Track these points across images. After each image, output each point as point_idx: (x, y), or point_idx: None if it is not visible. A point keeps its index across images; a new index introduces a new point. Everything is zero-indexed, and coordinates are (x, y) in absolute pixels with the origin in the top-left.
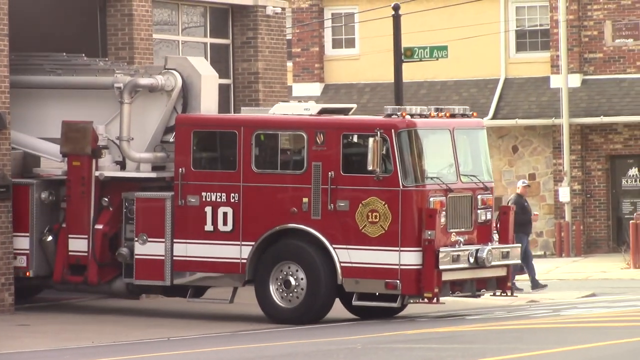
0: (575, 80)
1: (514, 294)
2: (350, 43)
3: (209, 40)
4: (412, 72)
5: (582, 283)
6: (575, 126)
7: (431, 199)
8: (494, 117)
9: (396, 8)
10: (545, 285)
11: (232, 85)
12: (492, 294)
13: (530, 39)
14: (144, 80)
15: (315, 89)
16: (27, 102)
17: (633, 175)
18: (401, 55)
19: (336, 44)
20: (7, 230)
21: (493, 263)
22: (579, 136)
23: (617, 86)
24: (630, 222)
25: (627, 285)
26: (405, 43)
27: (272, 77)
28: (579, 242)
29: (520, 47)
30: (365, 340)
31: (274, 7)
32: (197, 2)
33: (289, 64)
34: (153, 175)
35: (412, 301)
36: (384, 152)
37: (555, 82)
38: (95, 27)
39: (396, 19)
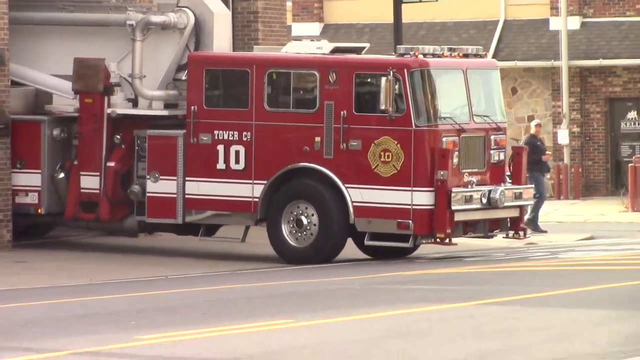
0: (575, 23)
1: (527, 235)
2: None
3: None
4: (411, 13)
5: (580, 226)
6: (574, 69)
7: (444, 139)
8: (493, 59)
9: None
10: (545, 231)
11: (231, 25)
12: (504, 235)
13: None
14: (156, 18)
15: (315, 28)
16: (39, 38)
17: (632, 119)
18: None
19: None
20: (5, 166)
21: (506, 204)
22: (578, 79)
23: (616, 29)
24: (629, 165)
25: (625, 229)
26: None
27: (271, 17)
28: (578, 185)
29: None
30: (364, 281)
31: None
32: None
33: (289, 4)
34: (165, 112)
35: (424, 241)
36: (396, 91)
37: (555, 24)
38: None
39: None
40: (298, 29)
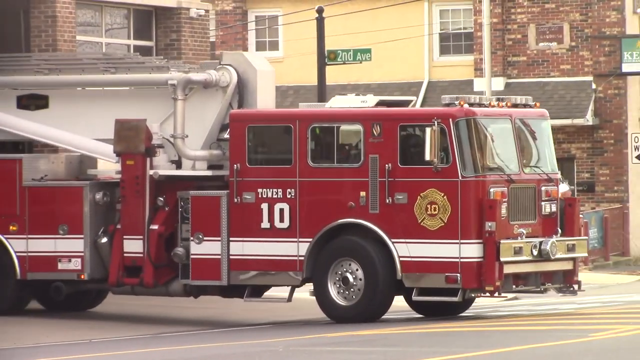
0: (499, 84)
1: (581, 290)
2: (274, 45)
3: (133, 42)
4: (335, 75)
5: None
6: None
7: (491, 190)
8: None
9: (320, 11)
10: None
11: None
12: (557, 288)
13: (454, 42)
14: (197, 76)
15: None
16: (81, 102)
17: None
18: (325, 58)
19: (260, 46)
20: None
21: (557, 256)
22: None
23: (540, 89)
24: None
25: None
26: (328, 46)
27: None
28: None
29: (444, 50)
30: (288, 343)
31: (197, 9)
32: (120, 3)
33: None
34: (209, 173)
35: (473, 295)
36: (442, 142)
37: (479, 85)
38: (19, 28)
39: (320, 22)
40: None
